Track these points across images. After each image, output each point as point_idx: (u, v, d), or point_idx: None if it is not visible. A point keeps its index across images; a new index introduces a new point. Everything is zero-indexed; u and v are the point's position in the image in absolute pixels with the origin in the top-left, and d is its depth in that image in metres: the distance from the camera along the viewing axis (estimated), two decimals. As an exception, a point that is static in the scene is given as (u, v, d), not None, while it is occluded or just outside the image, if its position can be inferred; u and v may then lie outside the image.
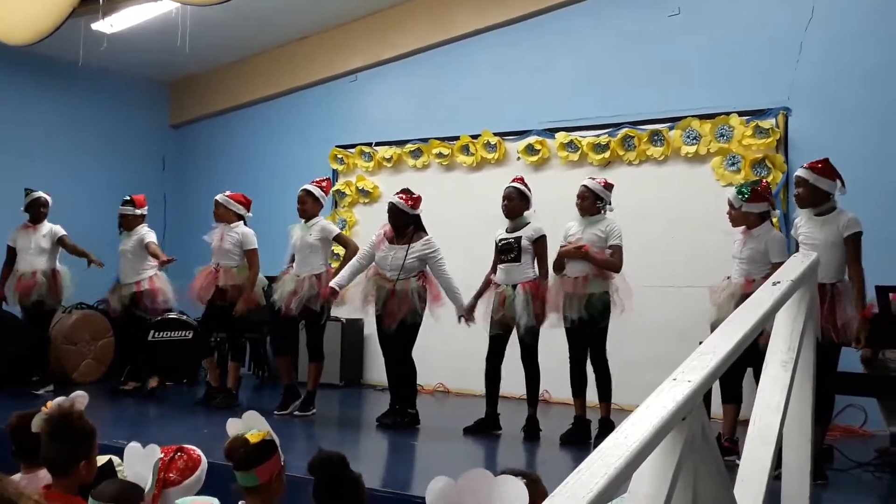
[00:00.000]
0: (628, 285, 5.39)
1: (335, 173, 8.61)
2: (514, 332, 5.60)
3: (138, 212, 7.13)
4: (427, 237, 5.88)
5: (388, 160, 8.34)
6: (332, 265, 6.50)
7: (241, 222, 6.65)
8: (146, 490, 2.56)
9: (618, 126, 7.12)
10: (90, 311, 7.82)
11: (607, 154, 7.11)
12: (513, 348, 5.66)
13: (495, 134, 7.70)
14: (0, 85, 8.48)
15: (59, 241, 7.05)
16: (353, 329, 7.98)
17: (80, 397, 2.92)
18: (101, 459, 2.86)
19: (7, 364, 7.07)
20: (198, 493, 2.71)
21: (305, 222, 6.33)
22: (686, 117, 6.79)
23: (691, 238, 6.63)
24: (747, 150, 6.55)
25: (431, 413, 6.30)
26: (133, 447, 2.74)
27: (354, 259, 6.05)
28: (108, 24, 6.60)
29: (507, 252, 5.64)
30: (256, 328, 7.68)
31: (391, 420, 5.83)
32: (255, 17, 8.09)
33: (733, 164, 6.61)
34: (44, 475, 2.78)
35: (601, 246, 5.37)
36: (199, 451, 2.78)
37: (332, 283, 5.95)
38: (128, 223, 7.12)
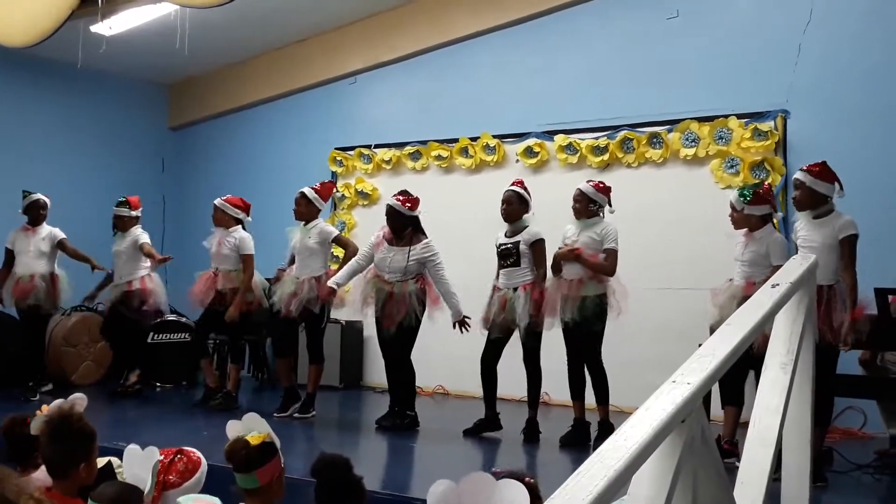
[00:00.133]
0: (625, 288, 5.39)
1: (334, 175, 8.60)
2: (515, 335, 5.61)
3: (133, 213, 7.12)
4: (426, 240, 5.88)
5: (388, 162, 8.33)
6: (332, 267, 6.49)
7: (240, 226, 6.64)
8: (145, 492, 2.56)
9: (617, 128, 7.12)
10: (90, 313, 7.79)
11: (606, 156, 7.11)
12: (512, 350, 5.66)
13: (494, 136, 7.69)
14: (-1, 86, 8.49)
15: (59, 245, 7.00)
16: (352, 331, 7.97)
17: (79, 400, 2.92)
18: (101, 461, 2.86)
19: (5, 366, 7.06)
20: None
21: (304, 225, 6.33)
22: (685, 119, 6.79)
23: (690, 240, 6.63)
24: (746, 152, 6.55)
25: (431, 415, 6.30)
26: (132, 449, 2.74)
27: (353, 259, 6.05)
28: (107, 27, 6.57)
29: (506, 257, 5.66)
30: (256, 330, 7.68)
31: (390, 422, 5.83)
32: (255, 19, 8.09)
33: (732, 166, 6.61)
34: (38, 477, 2.77)
35: (596, 249, 5.37)
36: (198, 454, 2.78)
37: (329, 282, 5.95)
38: (122, 224, 7.11)
